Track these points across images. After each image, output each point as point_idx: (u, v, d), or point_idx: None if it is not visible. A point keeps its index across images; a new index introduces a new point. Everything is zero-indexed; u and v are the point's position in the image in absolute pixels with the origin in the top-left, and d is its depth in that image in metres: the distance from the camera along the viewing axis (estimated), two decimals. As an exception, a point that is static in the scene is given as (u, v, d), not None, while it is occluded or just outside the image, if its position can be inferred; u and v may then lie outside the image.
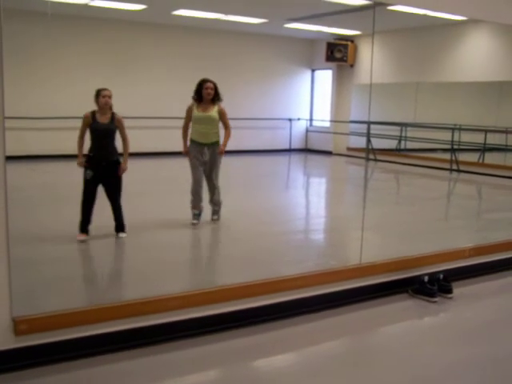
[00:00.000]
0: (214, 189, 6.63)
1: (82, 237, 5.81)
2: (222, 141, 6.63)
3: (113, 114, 5.88)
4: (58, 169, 11.67)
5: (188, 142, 6.61)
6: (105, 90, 5.84)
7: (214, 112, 6.51)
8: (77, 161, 5.94)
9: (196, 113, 6.50)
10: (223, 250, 6.11)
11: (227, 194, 6.90)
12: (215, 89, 6.47)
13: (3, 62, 3.04)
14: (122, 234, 5.97)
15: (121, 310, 3.53)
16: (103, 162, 5.87)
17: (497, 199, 10.07)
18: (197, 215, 6.57)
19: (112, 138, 5.92)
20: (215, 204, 6.68)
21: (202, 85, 6.45)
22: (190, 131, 6.63)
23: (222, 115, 6.56)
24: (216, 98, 6.50)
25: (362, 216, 4.99)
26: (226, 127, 6.66)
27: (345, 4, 10.76)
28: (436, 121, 14.18)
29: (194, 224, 6.51)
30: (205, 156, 6.51)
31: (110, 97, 5.82)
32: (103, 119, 5.84)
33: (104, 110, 5.82)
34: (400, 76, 14.51)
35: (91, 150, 5.90)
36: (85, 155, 5.93)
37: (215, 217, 6.70)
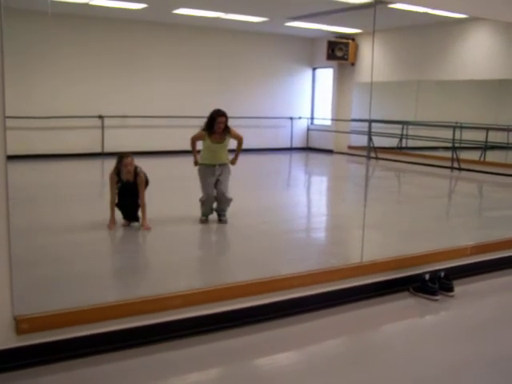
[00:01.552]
0: (225, 200, 6.65)
1: (126, 223, 6.30)
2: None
3: (136, 174, 6.16)
4: (59, 168, 11.70)
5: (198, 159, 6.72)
6: (126, 158, 6.07)
7: (226, 140, 6.64)
8: (108, 224, 6.17)
9: (209, 143, 6.58)
10: (224, 249, 6.12)
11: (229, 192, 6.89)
12: (226, 120, 6.55)
13: (4, 61, 3.04)
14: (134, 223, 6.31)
15: (121, 309, 3.54)
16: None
17: (498, 197, 10.06)
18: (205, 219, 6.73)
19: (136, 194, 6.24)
20: (222, 210, 6.70)
21: (214, 119, 6.48)
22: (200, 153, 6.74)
23: (234, 135, 6.70)
24: (226, 128, 6.58)
25: (363, 214, 4.99)
26: (239, 139, 6.76)
27: (346, 2, 10.76)
28: (437, 119, 14.17)
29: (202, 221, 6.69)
30: (217, 171, 6.61)
31: (131, 164, 6.08)
32: (128, 177, 6.15)
33: (128, 173, 6.12)
34: (401, 74, 14.50)
35: (119, 200, 6.25)
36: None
37: (224, 218, 6.70)
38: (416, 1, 5.24)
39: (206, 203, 6.62)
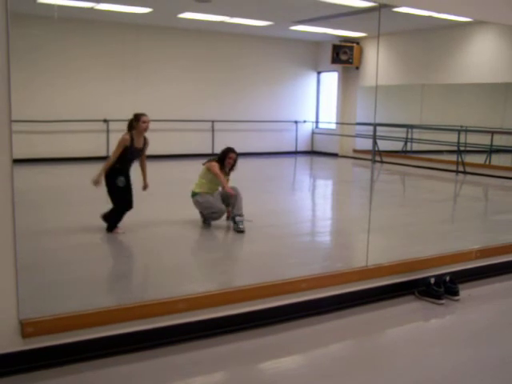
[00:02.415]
0: (239, 198, 6.67)
1: (120, 230, 6.17)
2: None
3: (145, 139, 6.26)
4: (64, 172, 11.72)
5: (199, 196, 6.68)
6: (144, 115, 6.17)
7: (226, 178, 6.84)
8: (96, 178, 6.04)
9: (215, 178, 6.69)
10: (229, 253, 6.12)
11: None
12: (236, 158, 6.80)
13: (10, 65, 3.05)
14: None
15: (127, 312, 3.54)
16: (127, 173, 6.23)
17: (503, 201, 10.03)
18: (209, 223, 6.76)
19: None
20: (239, 209, 6.64)
21: (226, 154, 6.73)
22: (199, 185, 6.71)
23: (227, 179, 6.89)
24: (233, 168, 6.82)
25: (368, 218, 4.98)
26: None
27: (350, 6, 10.76)
28: (442, 122, 14.16)
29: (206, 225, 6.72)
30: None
31: (149, 122, 6.17)
32: (138, 144, 6.20)
33: (142, 134, 6.18)
34: (406, 78, 14.49)
35: (120, 163, 6.10)
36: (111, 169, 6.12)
37: (242, 226, 6.54)
38: (420, 5, 5.24)
39: (218, 217, 6.62)
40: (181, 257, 5.61)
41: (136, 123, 6.14)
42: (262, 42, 15.36)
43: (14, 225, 3.16)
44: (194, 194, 6.67)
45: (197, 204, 6.66)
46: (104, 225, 6.16)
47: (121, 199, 6.13)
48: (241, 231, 6.42)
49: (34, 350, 3.24)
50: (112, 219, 6.15)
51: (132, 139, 6.10)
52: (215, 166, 6.64)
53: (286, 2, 11.21)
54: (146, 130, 6.17)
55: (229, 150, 6.76)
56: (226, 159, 6.70)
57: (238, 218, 6.50)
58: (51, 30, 12.14)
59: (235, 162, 6.79)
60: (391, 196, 9.94)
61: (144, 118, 6.14)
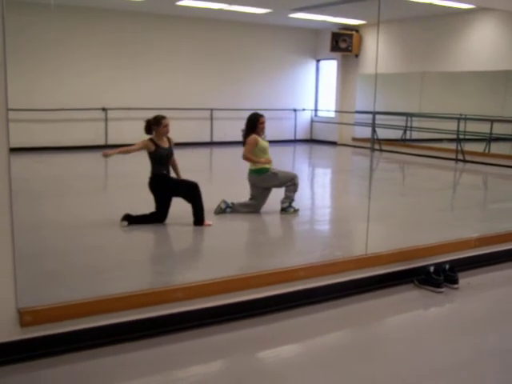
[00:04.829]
0: None
1: (125, 223, 6.00)
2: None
3: (169, 138, 6.14)
4: (63, 160, 11.70)
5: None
6: (165, 118, 6.01)
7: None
8: (109, 152, 6.03)
9: (263, 142, 6.63)
10: (228, 241, 6.09)
11: (233, 185, 6.88)
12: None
13: (6, 54, 3.02)
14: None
15: (125, 301, 3.53)
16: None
17: (503, 189, 10.03)
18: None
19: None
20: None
21: (256, 121, 6.58)
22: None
23: None
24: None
25: (367, 206, 4.97)
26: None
27: (349, -7, 10.71)
28: (441, 111, 14.12)
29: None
30: None
31: (169, 124, 6.04)
32: (164, 143, 6.07)
33: (164, 136, 6.05)
34: (405, 66, 14.43)
35: (159, 169, 6.05)
36: None
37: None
38: (421, -9, 5.20)
39: (296, 187, 6.69)
40: (178, 245, 5.59)
41: (157, 127, 5.99)
42: (260, 29, 15.29)
43: (12, 213, 3.14)
44: (264, 170, 6.59)
45: (272, 178, 6.59)
46: (100, 213, 6.13)
47: (159, 209, 6.06)
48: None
49: (32, 338, 3.24)
50: (140, 219, 6.02)
51: (155, 143, 6.00)
52: (252, 141, 6.50)
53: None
54: (168, 132, 6.05)
55: (257, 116, 6.59)
56: (257, 126, 6.55)
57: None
58: (49, 18, 12.08)
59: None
60: (390, 184, 9.92)
61: (165, 122, 5.99)
